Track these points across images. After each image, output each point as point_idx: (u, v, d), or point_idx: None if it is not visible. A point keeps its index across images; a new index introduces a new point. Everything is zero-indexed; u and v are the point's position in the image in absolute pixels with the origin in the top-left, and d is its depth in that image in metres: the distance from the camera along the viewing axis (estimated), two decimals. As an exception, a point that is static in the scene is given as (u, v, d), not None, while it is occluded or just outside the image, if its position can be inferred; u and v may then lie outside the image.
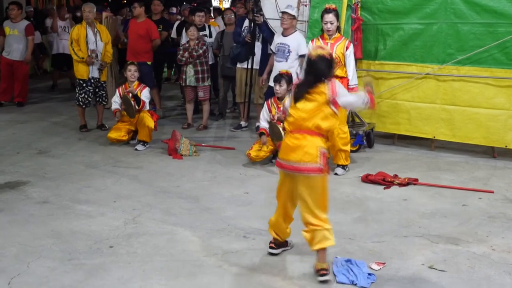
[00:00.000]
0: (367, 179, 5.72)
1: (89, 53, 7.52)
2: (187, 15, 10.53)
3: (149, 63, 8.27)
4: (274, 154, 6.32)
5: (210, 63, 8.27)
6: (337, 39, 5.93)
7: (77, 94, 7.71)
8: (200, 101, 8.20)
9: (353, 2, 6.88)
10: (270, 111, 6.25)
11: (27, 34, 9.37)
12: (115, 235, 4.32)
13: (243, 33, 7.83)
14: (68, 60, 9.21)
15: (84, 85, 7.64)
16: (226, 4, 21.01)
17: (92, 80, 7.66)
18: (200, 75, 7.89)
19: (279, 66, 6.59)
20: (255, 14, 7.44)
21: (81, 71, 7.63)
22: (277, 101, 6.24)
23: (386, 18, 7.02)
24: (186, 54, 7.80)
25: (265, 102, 6.45)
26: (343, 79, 5.85)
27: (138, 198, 5.17)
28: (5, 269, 3.71)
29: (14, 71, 9.35)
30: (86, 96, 7.67)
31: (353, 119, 7.30)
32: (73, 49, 7.57)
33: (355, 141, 6.78)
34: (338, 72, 5.78)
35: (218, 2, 21.74)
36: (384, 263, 3.82)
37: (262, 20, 7.39)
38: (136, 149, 6.87)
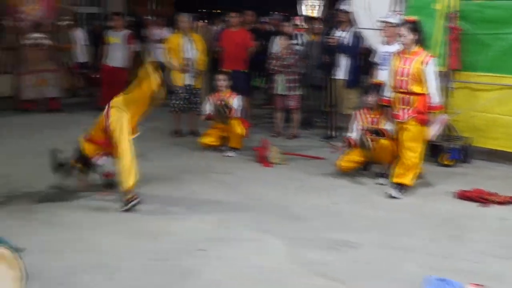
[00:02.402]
0: (463, 196, 5.47)
1: (184, 61, 7.79)
2: (278, 24, 10.62)
3: (244, 71, 8.42)
4: (364, 165, 6.22)
5: (301, 72, 8.28)
6: (415, 53, 5.50)
7: (172, 101, 8.01)
8: (290, 110, 8.24)
9: (450, 12, 6.64)
10: (360, 121, 6.17)
11: (128, 42, 9.86)
12: (205, 238, 4.43)
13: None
14: (163, 67, 9.57)
15: (179, 92, 7.92)
16: (317, 13, 20.98)
17: (187, 87, 7.92)
18: (290, 84, 7.94)
19: (382, 74, 6.47)
20: (328, 37, 7.42)
21: (176, 78, 7.92)
22: (368, 112, 6.14)
23: (486, 27, 6.69)
24: (276, 63, 7.88)
25: (356, 112, 6.37)
26: (422, 96, 5.47)
27: (228, 204, 5.28)
28: (102, 265, 3.91)
29: (115, 78, 9.86)
30: (180, 103, 7.95)
31: (449, 133, 7.02)
32: (168, 58, 7.88)
33: (451, 155, 6.52)
34: (416, 88, 5.45)
35: (308, 10, 21.74)
36: (482, 286, 3.62)
37: (337, 42, 7.33)
38: (227, 155, 7.02)
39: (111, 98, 9.84)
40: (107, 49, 9.87)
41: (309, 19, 13.25)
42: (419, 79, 5.44)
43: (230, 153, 7.06)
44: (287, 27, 8.74)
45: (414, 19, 5.60)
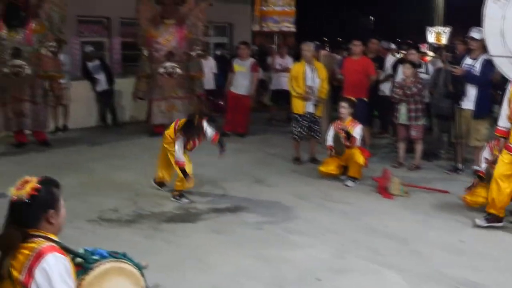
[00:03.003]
0: None
1: (306, 89, 7.88)
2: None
3: (365, 99, 8.33)
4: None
5: (426, 101, 8.02)
6: None
7: (293, 128, 8.11)
8: (412, 140, 7.99)
9: None
10: (491, 154, 5.81)
11: (252, 70, 10.20)
12: (322, 268, 4.40)
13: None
14: (286, 95, 9.75)
15: (300, 119, 8.01)
16: (444, 40, 20.26)
17: (308, 115, 7.99)
18: (413, 114, 7.70)
19: None
20: (453, 66, 7.09)
21: (297, 106, 8.02)
22: (497, 143, 5.75)
23: None
24: (400, 92, 7.70)
25: (487, 144, 6.03)
26: None
27: (346, 234, 5.20)
28: (219, 285, 4.02)
29: (239, 104, 10.23)
30: (301, 130, 8.03)
31: None
32: (291, 86, 8.02)
33: None
34: None
35: (435, 38, 21.02)
36: None
37: (463, 71, 6.99)
38: (346, 185, 6.95)
39: (235, 123, 10.28)
40: (232, 77, 10.28)
41: (435, 47, 12.85)
42: None
43: (349, 183, 6.97)
44: (412, 55, 8.53)
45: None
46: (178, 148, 5.96)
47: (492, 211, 5.35)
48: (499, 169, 5.28)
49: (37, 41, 8.74)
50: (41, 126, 9.12)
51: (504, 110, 5.48)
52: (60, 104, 10.22)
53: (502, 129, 5.53)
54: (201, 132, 6.13)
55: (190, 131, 6.03)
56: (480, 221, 5.38)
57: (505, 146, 5.37)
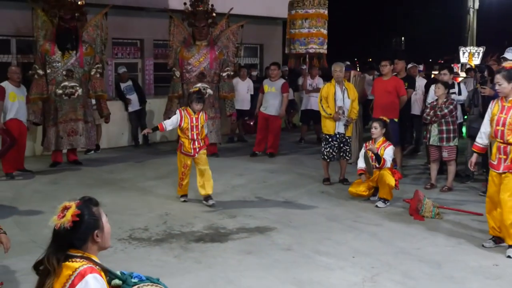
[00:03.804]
0: None
1: (337, 110, 7.86)
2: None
3: (395, 120, 8.26)
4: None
5: (458, 121, 7.90)
6: None
7: (323, 148, 8.08)
8: (445, 161, 7.86)
9: None
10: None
11: (282, 91, 10.23)
12: (353, 291, 4.33)
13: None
14: (316, 115, 9.75)
15: (330, 140, 7.98)
16: (476, 60, 20.00)
17: (338, 136, 7.96)
18: (444, 135, 7.60)
19: None
20: (482, 87, 7.02)
21: (328, 126, 8.00)
22: None
23: None
24: (431, 113, 7.62)
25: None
26: None
27: (377, 256, 5.12)
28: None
29: (269, 124, 10.24)
30: (331, 151, 7.99)
31: None
32: (321, 106, 8.01)
33: None
34: None
35: (467, 58, 20.78)
36: None
37: (490, 93, 6.91)
38: (376, 206, 6.86)
39: (265, 143, 10.29)
40: (262, 97, 10.33)
41: (468, 68, 12.70)
42: None
43: (380, 204, 6.89)
44: (445, 75, 8.43)
45: (511, 65, 5.23)
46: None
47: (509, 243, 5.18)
48: (500, 191, 5.20)
49: (87, 63, 9.25)
50: (92, 144, 9.70)
51: (485, 128, 5.48)
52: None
53: (479, 145, 5.58)
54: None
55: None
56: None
57: (489, 164, 5.40)
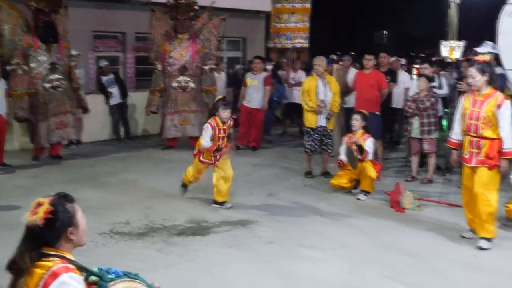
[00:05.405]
0: None
1: (318, 103, 7.88)
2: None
3: (377, 113, 8.31)
4: None
5: (439, 115, 7.98)
6: (487, 95, 5.13)
7: (305, 142, 8.11)
8: (425, 154, 7.94)
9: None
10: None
11: (265, 84, 10.23)
12: (338, 283, 4.37)
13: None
14: (298, 109, 9.76)
15: (312, 133, 8.00)
16: (457, 54, 20.20)
17: (320, 129, 7.98)
18: (426, 128, 7.68)
19: None
20: (458, 82, 7.10)
21: (310, 120, 8.02)
22: None
23: None
24: (413, 105, 7.69)
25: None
26: (494, 140, 5.09)
27: (359, 248, 5.16)
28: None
29: (252, 118, 10.24)
30: (313, 144, 8.02)
31: None
32: (303, 99, 8.03)
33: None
34: (488, 133, 5.09)
35: (448, 52, 20.98)
36: None
37: (467, 89, 6.99)
38: (358, 199, 6.91)
39: (248, 137, 10.29)
40: (245, 90, 10.31)
41: (446, 62, 12.82)
42: (492, 123, 5.11)
43: (362, 196, 6.94)
44: (427, 69, 8.51)
45: (484, 59, 5.24)
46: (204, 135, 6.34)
47: (484, 235, 5.26)
48: (474, 185, 5.25)
49: (67, 56, 9.18)
50: (80, 135, 9.70)
51: (458, 123, 5.50)
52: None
53: (455, 141, 5.57)
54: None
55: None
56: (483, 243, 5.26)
57: (462, 158, 5.42)
